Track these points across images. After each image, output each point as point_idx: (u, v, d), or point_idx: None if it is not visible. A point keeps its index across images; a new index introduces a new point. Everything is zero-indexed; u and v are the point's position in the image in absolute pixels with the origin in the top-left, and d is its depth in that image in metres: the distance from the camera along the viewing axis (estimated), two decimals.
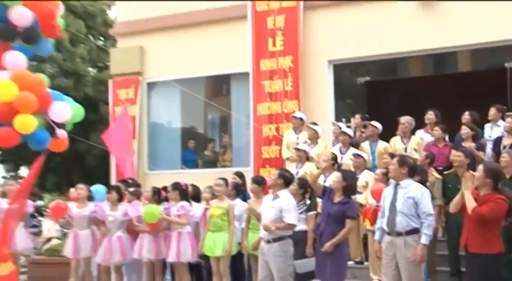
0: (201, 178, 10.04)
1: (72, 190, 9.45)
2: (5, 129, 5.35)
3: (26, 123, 5.28)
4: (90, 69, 22.95)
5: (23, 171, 22.69)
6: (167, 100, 13.72)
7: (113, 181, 12.50)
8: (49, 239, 12.17)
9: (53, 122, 5.51)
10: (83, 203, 9.22)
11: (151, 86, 13.71)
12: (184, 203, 8.54)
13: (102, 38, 23.79)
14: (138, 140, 13.21)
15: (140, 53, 13.50)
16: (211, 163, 12.98)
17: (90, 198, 9.36)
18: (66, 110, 5.42)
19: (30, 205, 9.70)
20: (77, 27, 22.02)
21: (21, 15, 5.56)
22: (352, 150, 9.40)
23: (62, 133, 5.58)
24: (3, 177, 23.36)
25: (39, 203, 17.59)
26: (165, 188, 9.14)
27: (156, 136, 13.73)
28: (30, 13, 5.57)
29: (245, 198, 8.97)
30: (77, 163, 19.84)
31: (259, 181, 8.13)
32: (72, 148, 18.10)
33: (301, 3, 11.69)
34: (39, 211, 15.45)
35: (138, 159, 13.06)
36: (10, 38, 5.73)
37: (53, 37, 6.06)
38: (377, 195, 7.38)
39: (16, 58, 5.65)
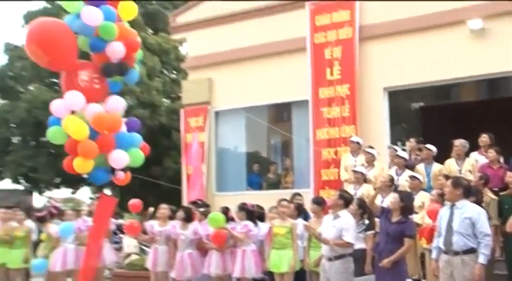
0: (265, 198, 9.97)
1: (163, 206, 9.60)
2: (68, 162, 5.51)
3: (83, 166, 5.34)
4: (164, 100, 23.40)
5: (107, 192, 23.25)
6: (233, 127, 13.78)
7: (185, 202, 12.58)
8: (129, 255, 12.36)
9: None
10: (164, 221, 9.34)
11: (218, 114, 13.81)
12: (248, 222, 8.51)
13: (175, 72, 24.31)
14: (207, 164, 13.30)
15: (209, 84, 13.66)
16: (274, 185, 12.90)
17: (170, 217, 9.47)
18: (123, 159, 5.45)
19: (112, 223, 9.95)
20: (153, 63, 22.64)
21: (115, 50, 5.60)
22: (408, 172, 9.19)
23: (120, 175, 5.61)
24: (90, 198, 24.05)
25: (120, 221, 17.93)
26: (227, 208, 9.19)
27: (223, 160, 13.80)
28: (123, 47, 5.63)
29: (306, 218, 8.85)
30: (152, 185, 20.13)
31: (319, 202, 8.10)
32: (148, 171, 18.43)
33: (357, 34, 11.57)
34: (120, 229, 15.73)
35: (207, 181, 13.14)
36: (112, 74, 5.76)
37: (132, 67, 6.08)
38: (433, 215, 7.16)
39: (117, 103, 5.74)
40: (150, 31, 25.76)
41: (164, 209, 9.51)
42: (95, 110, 5.36)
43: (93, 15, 5.36)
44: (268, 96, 12.84)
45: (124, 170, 5.68)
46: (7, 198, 29.73)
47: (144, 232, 9.61)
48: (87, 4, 5.42)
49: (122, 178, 5.61)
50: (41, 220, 10.65)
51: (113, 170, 5.48)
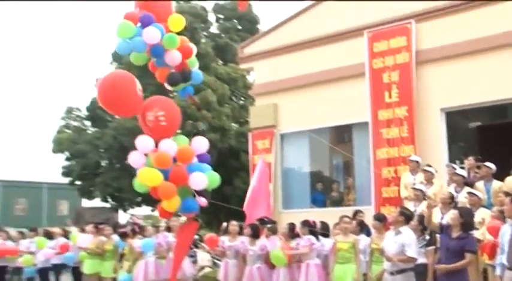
0: (329, 215, 9.81)
1: (233, 223, 9.66)
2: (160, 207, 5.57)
3: (171, 206, 5.39)
4: (234, 124, 23.65)
5: None
6: (298, 148, 13.72)
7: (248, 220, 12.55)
8: (202, 267, 12.41)
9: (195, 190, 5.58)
10: (234, 237, 9.38)
11: (284, 136, 13.80)
12: (310, 237, 8.45)
13: (243, 98, 24.57)
14: (273, 184, 13.26)
15: (274, 109, 13.70)
16: (337, 202, 12.71)
17: (239, 233, 9.49)
18: (202, 180, 5.46)
19: None
20: (223, 91, 23.00)
21: (173, 58, 5.64)
22: (467, 189, 8.81)
23: (202, 201, 5.63)
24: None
25: (195, 237, 18.10)
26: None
27: (288, 179, 13.74)
28: (180, 54, 5.67)
29: (368, 234, 8.65)
30: (223, 203, 20.28)
31: (380, 218, 7.98)
32: (220, 191, 18.55)
33: (414, 59, 11.33)
34: (195, 244, 15.88)
35: (273, 199, 13.08)
36: (177, 82, 5.80)
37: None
38: (494, 231, 6.82)
39: (201, 145, 5.80)
40: (220, 62, 26.23)
41: (234, 225, 9.60)
42: (167, 147, 5.40)
43: (152, 34, 5.47)
44: (330, 119, 12.74)
45: (202, 194, 5.67)
46: (97, 215, 30.77)
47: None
48: (140, 26, 5.52)
49: (205, 203, 5.65)
50: (123, 236, 10.95)
51: (195, 195, 5.50)
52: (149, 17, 5.55)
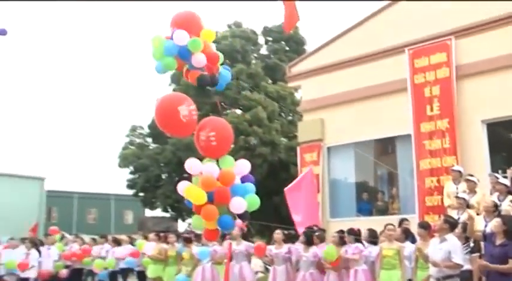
0: (374, 224, 9.64)
1: (277, 231, 9.64)
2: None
3: (210, 224, 5.37)
4: (283, 139, 23.67)
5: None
6: (343, 160, 13.58)
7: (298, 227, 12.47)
8: (256, 273, 12.42)
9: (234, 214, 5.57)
10: (280, 244, 9.35)
11: (330, 149, 13.70)
12: (358, 244, 8.38)
13: (291, 114, 24.58)
14: (321, 194, 13.16)
15: (321, 124, 13.64)
16: (382, 211, 12.49)
17: (285, 240, 9.42)
18: (242, 205, 5.44)
19: None
20: (272, 108, 23.09)
21: (199, 60, 5.56)
22: (510, 197, 8.50)
23: (239, 223, 5.62)
24: None
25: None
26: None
27: (335, 190, 13.59)
28: (205, 57, 5.57)
29: (413, 241, 8.45)
30: (274, 212, 20.23)
31: (425, 226, 7.79)
32: (270, 201, 18.53)
33: (454, 73, 11.07)
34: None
35: (322, 209, 12.97)
36: (205, 84, 5.75)
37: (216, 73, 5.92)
38: None
39: (244, 167, 5.73)
40: (270, 81, 26.37)
41: (278, 234, 9.55)
42: (211, 170, 5.40)
43: (181, 37, 5.46)
44: (374, 132, 12.58)
45: (244, 215, 5.65)
46: (158, 224, 31.38)
47: None
48: (174, 31, 5.53)
49: (242, 225, 5.65)
50: (187, 241, 11.05)
51: (234, 217, 5.50)
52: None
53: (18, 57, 68.02)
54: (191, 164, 5.45)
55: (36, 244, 12.81)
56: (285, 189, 11.87)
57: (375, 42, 12.61)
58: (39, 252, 12.47)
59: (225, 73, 5.95)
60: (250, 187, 5.63)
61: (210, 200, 5.25)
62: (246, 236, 10.77)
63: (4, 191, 33.68)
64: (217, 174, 5.36)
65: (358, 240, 8.42)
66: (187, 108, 5.34)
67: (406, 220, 9.62)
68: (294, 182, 12.29)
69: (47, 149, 68.52)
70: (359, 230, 8.66)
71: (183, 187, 5.35)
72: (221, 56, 5.84)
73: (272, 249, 9.45)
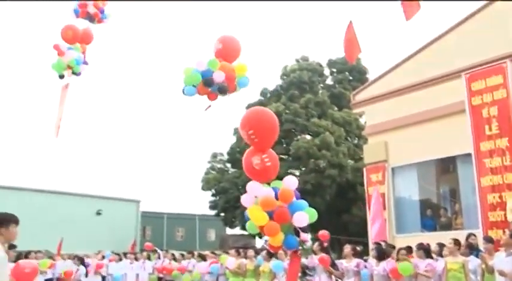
0: (439, 239, 9.38)
1: (346, 246, 9.56)
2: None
3: (276, 241, 5.33)
4: (350, 161, 23.51)
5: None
6: (407, 179, 13.34)
7: (370, 244, 12.31)
8: None
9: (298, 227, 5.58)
10: (350, 258, 9.27)
11: (394, 170, 13.50)
12: (430, 260, 8.13)
13: (356, 138, 24.42)
14: (387, 211, 12.95)
15: (385, 146, 13.52)
16: (446, 227, 12.09)
17: (354, 255, 9.35)
18: (304, 217, 5.49)
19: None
20: (339, 133, 23.06)
21: (219, 76, 6.04)
22: None
23: (304, 236, 5.65)
24: None
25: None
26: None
27: (400, 207, 13.33)
28: (223, 74, 6.03)
29: (478, 255, 8.13)
30: (343, 229, 20.04)
31: (490, 240, 7.55)
32: (339, 219, 18.38)
33: (511, 94, 10.69)
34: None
35: (388, 225, 12.74)
36: (223, 92, 6.22)
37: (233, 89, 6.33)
38: None
39: (292, 183, 5.61)
40: (336, 108, 26.40)
41: (347, 248, 9.43)
42: (266, 193, 5.33)
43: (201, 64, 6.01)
44: (435, 152, 12.31)
45: (303, 229, 5.70)
46: (238, 240, 31.79)
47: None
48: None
49: (307, 238, 5.67)
50: (270, 255, 11.15)
51: (297, 233, 5.54)
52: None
53: (114, 86, 72.23)
54: (253, 187, 5.39)
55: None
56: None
57: (432, 68, 12.44)
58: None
59: (244, 79, 6.29)
60: (304, 203, 5.69)
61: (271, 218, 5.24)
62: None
63: (108, 212, 35.68)
64: (273, 195, 5.32)
65: (428, 255, 8.18)
66: (259, 157, 5.36)
67: (473, 235, 9.20)
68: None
69: (141, 175, 71.68)
70: (428, 245, 8.42)
71: (248, 207, 5.34)
72: (244, 66, 6.23)
73: (343, 263, 9.37)
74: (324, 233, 10.31)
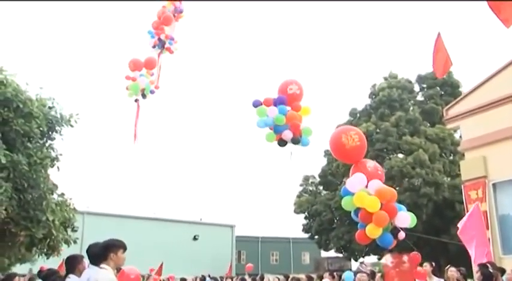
0: None
1: (451, 269, 9.07)
2: (361, 232, 5.62)
3: (374, 232, 5.43)
4: (446, 178, 22.47)
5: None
6: (510, 195, 12.39)
7: (473, 265, 11.54)
8: None
9: (398, 227, 5.55)
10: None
11: (496, 185, 12.66)
12: None
13: (452, 154, 23.31)
14: (490, 230, 12.11)
15: (483, 161, 12.78)
16: None
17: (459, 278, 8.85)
18: (407, 218, 5.47)
19: None
20: (433, 150, 22.16)
21: (286, 134, 6.65)
22: None
23: (401, 235, 5.58)
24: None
25: None
26: None
27: (505, 226, 12.41)
28: (290, 132, 6.67)
29: None
30: (443, 250, 19.03)
31: None
32: (439, 239, 17.43)
33: None
34: None
35: (492, 245, 11.88)
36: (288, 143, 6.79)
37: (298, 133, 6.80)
38: None
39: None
40: (428, 125, 25.46)
41: (452, 271, 8.94)
42: (377, 185, 5.58)
43: (272, 111, 6.67)
44: None
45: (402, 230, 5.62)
46: (333, 263, 31.26)
47: None
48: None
49: (403, 237, 5.59)
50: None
51: (394, 234, 5.49)
52: (282, 99, 6.76)
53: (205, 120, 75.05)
54: (356, 179, 5.66)
55: None
56: (458, 232, 11.18)
57: None
58: None
59: (305, 135, 6.85)
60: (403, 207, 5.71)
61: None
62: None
63: (204, 237, 36.90)
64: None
65: None
66: (347, 135, 5.86)
67: None
68: (463, 220, 11.56)
69: (235, 200, 73.33)
70: None
71: (355, 194, 5.55)
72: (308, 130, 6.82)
73: None
74: (415, 255, 9.93)
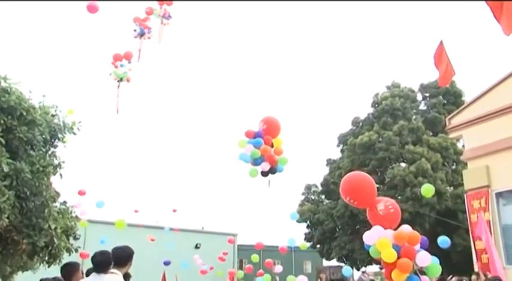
0: None
1: (453, 279, 9.01)
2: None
3: (399, 278, 5.49)
4: (448, 187, 22.44)
5: None
6: None
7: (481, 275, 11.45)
8: None
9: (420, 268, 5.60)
10: None
11: (499, 195, 12.60)
12: None
13: (454, 164, 23.28)
14: (494, 240, 12.00)
15: (486, 170, 12.72)
16: None
17: None
18: (427, 258, 5.54)
19: None
20: (436, 159, 22.13)
21: (264, 166, 7.81)
22: None
23: (424, 278, 5.60)
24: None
25: None
26: None
27: (509, 235, 12.33)
28: (268, 164, 7.77)
29: None
30: (445, 260, 18.92)
31: None
32: (441, 249, 17.40)
33: None
34: None
35: (496, 255, 11.79)
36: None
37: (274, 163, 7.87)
38: None
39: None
40: (431, 134, 25.45)
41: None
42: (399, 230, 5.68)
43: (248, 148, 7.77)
44: None
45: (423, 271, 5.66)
46: (334, 272, 31.03)
47: None
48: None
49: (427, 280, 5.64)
50: None
51: (417, 274, 5.53)
52: (258, 134, 7.80)
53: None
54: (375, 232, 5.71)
55: None
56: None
57: None
58: None
59: (281, 164, 7.92)
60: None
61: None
62: None
63: (207, 246, 36.84)
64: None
65: None
66: (384, 204, 5.98)
67: None
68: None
69: (236, 208, 73.25)
70: None
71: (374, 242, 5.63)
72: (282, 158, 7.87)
73: None
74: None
